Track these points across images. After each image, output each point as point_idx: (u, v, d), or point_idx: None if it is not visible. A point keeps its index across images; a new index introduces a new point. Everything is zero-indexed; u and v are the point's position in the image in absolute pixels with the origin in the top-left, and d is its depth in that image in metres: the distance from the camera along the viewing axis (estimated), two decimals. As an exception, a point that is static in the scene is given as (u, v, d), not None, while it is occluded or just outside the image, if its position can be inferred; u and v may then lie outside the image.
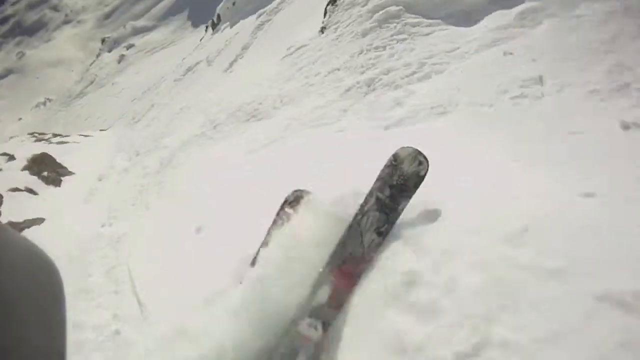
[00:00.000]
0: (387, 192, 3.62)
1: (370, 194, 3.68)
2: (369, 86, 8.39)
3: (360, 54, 9.67)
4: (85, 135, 29.51)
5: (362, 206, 3.65)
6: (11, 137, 33.00)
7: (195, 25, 55.29)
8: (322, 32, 11.80)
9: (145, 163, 14.96)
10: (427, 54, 8.30)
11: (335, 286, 3.43)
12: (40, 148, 26.55)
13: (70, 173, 19.36)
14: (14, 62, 77.56)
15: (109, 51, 59.89)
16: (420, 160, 3.63)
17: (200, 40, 34.98)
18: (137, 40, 58.88)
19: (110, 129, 30.06)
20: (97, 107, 47.57)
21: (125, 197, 12.74)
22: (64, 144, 27.15)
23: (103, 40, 63.93)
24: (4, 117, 63.49)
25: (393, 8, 10.10)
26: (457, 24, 8.97)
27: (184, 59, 30.65)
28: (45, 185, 17.85)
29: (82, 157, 21.97)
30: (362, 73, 9.00)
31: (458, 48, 8.10)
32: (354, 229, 3.60)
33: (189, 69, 25.29)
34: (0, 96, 69.17)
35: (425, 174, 3.61)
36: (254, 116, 10.48)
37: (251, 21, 23.76)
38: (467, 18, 8.90)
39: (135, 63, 54.01)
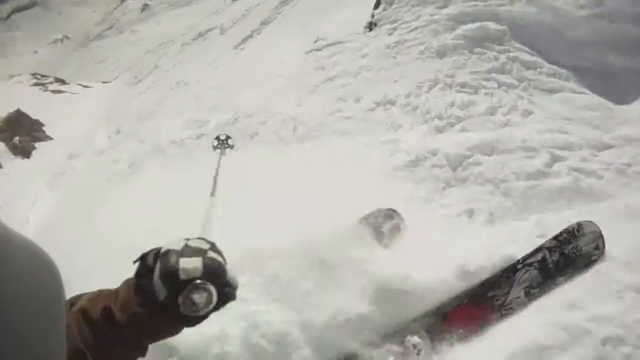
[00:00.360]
0: (556, 257, 3.25)
1: (539, 248, 3.31)
2: (454, 170, 4.54)
3: (435, 86, 5.79)
4: (85, 86, 25.81)
5: (525, 257, 3.28)
6: (12, 76, 29.29)
7: (222, -16, 50.44)
8: (370, 29, 7.80)
9: (119, 151, 11.36)
10: (559, 138, 4.72)
11: (453, 319, 3.09)
12: (32, 95, 23.00)
13: (47, 138, 15.68)
14: (41, -6, 72.60)
15: (134, -2, 55.30)
16: (598, 245, 3.25)
17: (224, 1, 30.65)
18: (163, -9, 54.16)
19: (113, 82, 26.37)
20: (112, 52, 43.66)
21: (83, 202, 9.18)
22: (60, 94, 23.58)
23: (130, -14, 59.12)
24: (20, 48, 59.13)
25: (492, 26, 6.31)
26: (598, 89, 5.46)
27: (200, 21, 26.32)
28: (13, 156, 14.34)
29: (69, 114, 18.35)
30: (440, 132, 5.23)
31: (611, 147, 4.60)
32: (508, 275, 3.24)
33: (199, 35, 21.23)
34: (20, 27, 64.64)
35: (596, 261, 3.22)
36: (250, 140, 6.60)
37: (277, -8, 19.50)
38: (614, 84, 5.43)
39: (157, 14, 49.31)
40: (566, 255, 3.27)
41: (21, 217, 10.39)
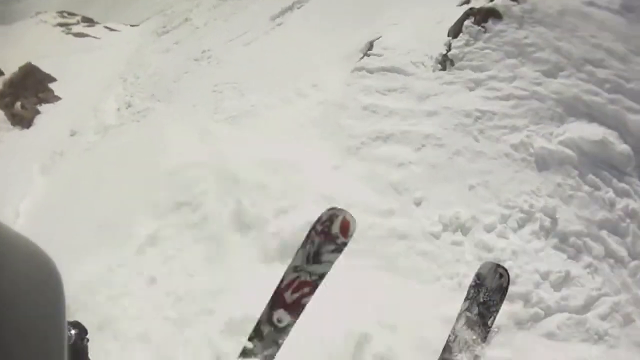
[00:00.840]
0: (476, 310, 3.31)
1: (459, 316, 3.34)
2: None
3: (526, 224, 4.06)
4: (111, 29, 23.93)
5: (453, 330, 3.27)
6: (38, 13, 27.56)
7: None
8: (443, 68, 5.72)
9: (122, 135, 10.14)
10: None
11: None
12: (53, 38, 21.27)
13: (54, 99, 13.92)
14: None
15: None
16: (500, 273, 3.34)
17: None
18: None
19: (141, 26, 24.40)
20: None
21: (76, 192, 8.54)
22: (82, 38, 21.76)
23: None
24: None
25: (615, 143, 4.49)
26: None
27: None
28: (10, 127, 12.60)
29: (86, 67, 16.52)
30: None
31: None
32: (445, 351, 3.21)
33: (239, -12, 19.01)
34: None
35: (507, 285, 3.32)
36: (248, 227, 4.73)
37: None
38: None
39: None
40: (483, 302, 3.31)
41: (11, 210, 8.96)
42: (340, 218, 3.09)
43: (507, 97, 4.89)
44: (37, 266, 0.63)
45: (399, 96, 5.49)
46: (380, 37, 7.24)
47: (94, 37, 22.03)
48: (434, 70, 5.68)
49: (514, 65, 5.18)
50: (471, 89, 5.16)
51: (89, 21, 26.19)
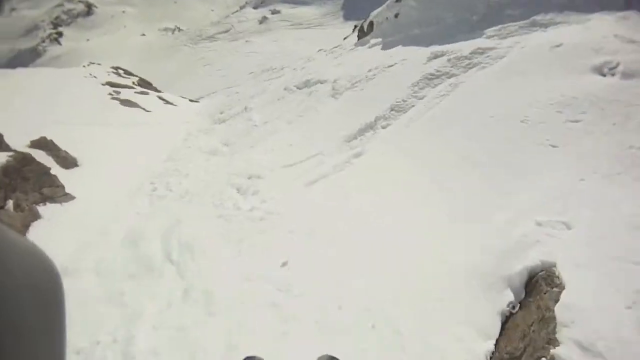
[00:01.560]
0: None
1: None
2: None
3: None
4: (166, 102, 21.02)
5: None
6: (91, 63, 25.31)
7: (347, 17, 45.36)
8: None
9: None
10: None
11: None
12: (94, 101, 18.06)
13: (64, 199, 10.16)
14: (157, -22, 70.41)
15: (255, 8, 50.48)
16: None
17: (344, 39, 25.60)
18: (285, 9, 49.06)
19: (200, 104, 21.62)
20: (221, 58, 40.00)
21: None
22: (129, 108, 18.45)
23: (252, -6, 55.38)
24: (129, 24, 57.24)
25: None
26: None
27: (306, 63, 21.06)
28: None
29: (119, 151, 12.96)
30: None
31: None
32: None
33: (307, 84, 15.97)
34: (132, 4, 62.89)
35: None
36: None
37: (417, 57, 14.01)
38: None
39: (274, 30, 45.09)
40: None
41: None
42: None
43: None
44: (38, 267, 0.61)
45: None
46: (553, 267, 3.80)
47: (143, 108, 18.93)
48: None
49: None
50: None
51: (146, 85, 23.43)
